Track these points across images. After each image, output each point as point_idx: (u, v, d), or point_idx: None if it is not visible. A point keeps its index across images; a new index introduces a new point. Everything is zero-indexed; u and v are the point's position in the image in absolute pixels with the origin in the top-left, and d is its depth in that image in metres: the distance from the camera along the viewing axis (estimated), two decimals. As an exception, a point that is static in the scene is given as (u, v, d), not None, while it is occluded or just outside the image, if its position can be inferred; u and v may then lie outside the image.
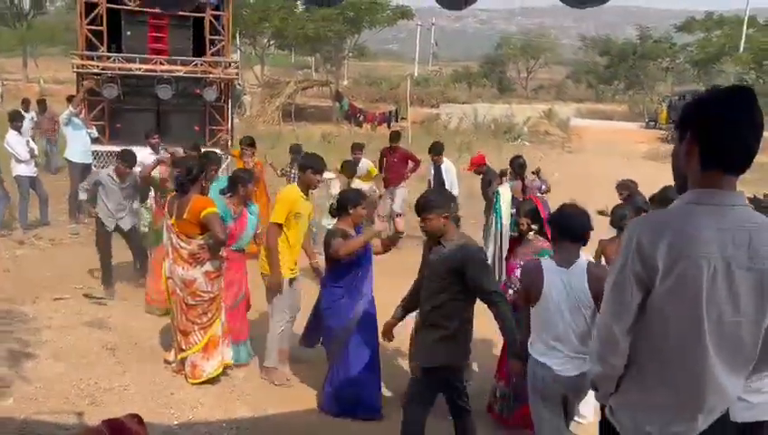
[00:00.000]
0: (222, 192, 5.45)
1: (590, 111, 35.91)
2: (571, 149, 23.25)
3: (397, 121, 24.53)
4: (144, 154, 10.47)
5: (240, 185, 5.35)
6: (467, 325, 3.83)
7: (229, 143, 11.28)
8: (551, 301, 3.28)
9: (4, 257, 8.04)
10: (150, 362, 5.25)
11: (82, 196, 6.83)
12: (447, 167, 9.41)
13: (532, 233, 4.49)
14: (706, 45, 30.94)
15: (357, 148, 9.54)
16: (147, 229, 7.34)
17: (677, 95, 30.37)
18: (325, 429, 4.68)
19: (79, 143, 9.66)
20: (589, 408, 4.47)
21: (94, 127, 10.16)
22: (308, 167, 5.19)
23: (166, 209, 5.06)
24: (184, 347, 4.96)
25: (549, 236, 3.93)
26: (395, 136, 10.38)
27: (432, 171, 9.56)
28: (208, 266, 4.87)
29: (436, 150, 9.46)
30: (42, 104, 13.72)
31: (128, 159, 6.94)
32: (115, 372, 4.91)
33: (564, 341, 3.28)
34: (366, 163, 9.48)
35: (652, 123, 28.90)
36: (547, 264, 3.38)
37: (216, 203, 5.03)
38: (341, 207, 4.77)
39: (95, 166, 10.24)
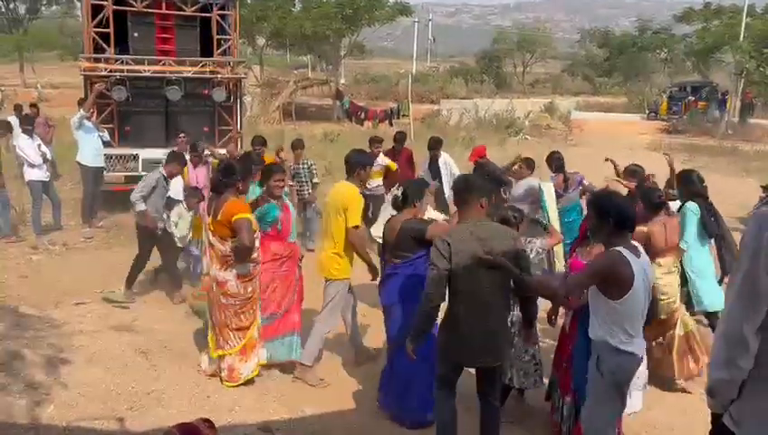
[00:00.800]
0: (260, 185, 5.49)
1: (589, 104, 35.89)
2: (574, 142, 23.20)
3: (398, 118, 24.52)
4: (155, 154, 10.51)
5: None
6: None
7: (239, 143, 11.22)
8: (638, 292, 3.31)
9: (21, 263, 7.97)
10: (183, 366, 5.19)
11: (140, 206, 6.77)
12: (446, 160, 9.29)
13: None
14: (705, 35, 30.90)
15: (376, 142, 9.30)
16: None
17: (677, 86, 30.41)
18: (364, 430, 4.64)
19: (91, 146, 9.57)
20: (638, 398, 4.45)
21: (106, 130, 10.08)
22: (361, 164, 5.15)
23: (204, 209, 5.10)
24: (222, 346, 4.94)
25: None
26: (400, 137, 10.11)
27: (426, 166, 9.41)
28: (238, 270, 4.84)
29: (432, 144, 9.38)
30: (33, 108, 13.54)
31: (181, 160, 7.23)
32: (150, 376, 4.85)
33: (640, 327, 3.43)
34: (383, 159, 9.38)
35: (653, 114, 28.91)
36: (628, 255, 3.34)
37: (247, 207, 5.00)
38: (407, 199, 4.75)
39: (106, 170, 10.20)
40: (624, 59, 40.53)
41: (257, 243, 4.90)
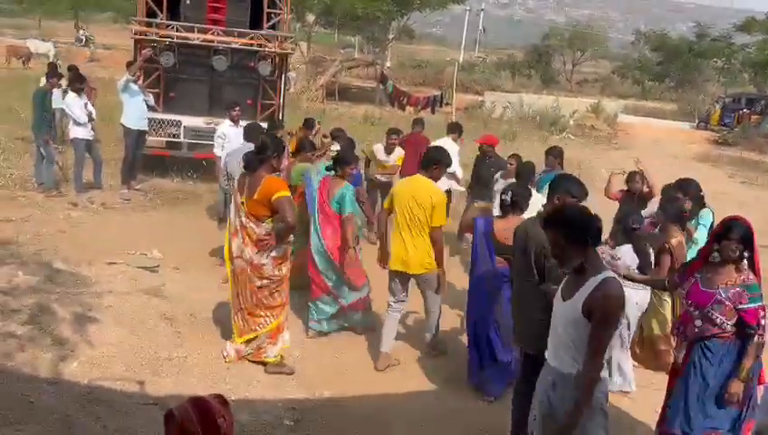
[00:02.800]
0: (328, 169, 5.54)
1: (637, 108, 35.01)
2: (618, 145, 22.70)
3: (441, 107, 24.30)
4: (197, 122, 10.59)
5: (344, 164, 5.51)
6: None
7: (280, 117, 11.24)
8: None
9: (60, 218, 8.13)
10: (207, 334, 5.24)
11: (220, 196, 6.98)
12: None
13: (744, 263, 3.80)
14: (767, 48, 29.79)
15: (393, 133, 9.09)
16: None
17: (731, 97, 29.43)
18: (381, 413, 4.62)
19: (136, 109, 9.67)
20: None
21: (151, 95, 10.17)
22: (441, 162, 5.09)
23: (236, 187, 4.88)
24: (253, 328, 4.84)
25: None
26: (416, 122, 9.99)
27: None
28: (275, 253, 4.70)
29: (451, 129, 9.31)
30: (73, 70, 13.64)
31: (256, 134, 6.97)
32: (174, 343, 4.90)
33: None
34: (398, 153, 9.06)
35: (703, 124, 28.05)
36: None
37: (285, 183, 4.95)
38: (515, 204, 4.80)
39: (149, 134, 10.31)
40: (678, 64, 39.27)
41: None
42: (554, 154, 7.78)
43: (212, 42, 10.53)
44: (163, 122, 10.59)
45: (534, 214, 4.79)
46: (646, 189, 6.82)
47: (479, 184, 8.67)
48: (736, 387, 3.67)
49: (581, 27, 48.00)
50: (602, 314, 2.90)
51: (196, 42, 10.52)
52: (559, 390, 3.08)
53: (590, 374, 2.95)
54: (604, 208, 4.93)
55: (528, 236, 3.93)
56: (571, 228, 2.96)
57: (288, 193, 4.68)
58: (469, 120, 22.87)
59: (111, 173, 10.20)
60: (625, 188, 7.09)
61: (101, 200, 9.17)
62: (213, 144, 8.73)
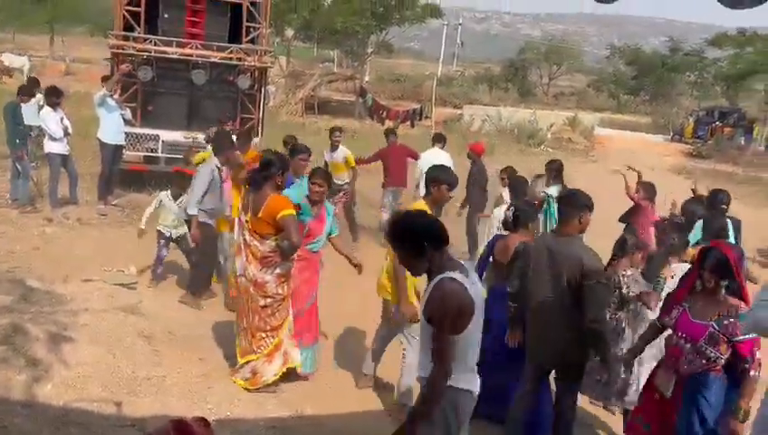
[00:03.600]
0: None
1: (613, 121, 35.51)
2: (595, 157, 22.98)
3: (420, 120, 24.39)
4: (175, 136, 10.47)
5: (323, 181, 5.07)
6: None
7: (259, 131, 11.19)
8: (477, 319, 3.06)
9: (34, 235, 7.95)
10: (186, 353, 5.12)
11: (193, 211, 6.28)
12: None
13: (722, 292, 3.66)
14: (738, 62, 30.50)
15: (336, 130, 9.16)
16: None
17: (705, 110, 30.00)
18: (364, 431, 4.55)
19: (112, 124, 9.53)
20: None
21: (128, 109, 10.06)
22: (444, 182, 4.49)
23: (240, 205, 4.81)
24: (255, 349, 4.75)
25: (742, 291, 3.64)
26: (389, 132, 10.15)
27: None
28: (279, 270, 4.65)
29: (437, 139, 9.52)
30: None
31: (229, 140, 6.81)
32: (152, 362, 4.79)
33: (475, 360, 3.20)
34: (344, 151, 9.08)
35: (677, 137, 28.56)
36: (460, 278, 2.94)
37: (291, 202, 4.75)
38: (518, 221, 4.70)
39: (126, 148, 10.18)
40: (652, 78, 40.05)
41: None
42: (553, 168, 7.67)
43: (191, 56, 10.48)
44: (141, 137, 10.47)
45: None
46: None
47: (477, 191, 8.69)
48: (737, 426, 3.51)
49: (557, 42, 48.70)
50: (435, 317, 2.86)
51: (175, 56, 10.46)
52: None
53: (432, 384, 2.85)
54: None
55: (554, 253, 3.93)
56: (407, 240, 2.95)
57: (293, 211, 4.59)
58: (448, 133, 22.83)
59: (87, 188, 10.03)
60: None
61: (77, 216, 8.99)
62: (192, 158, 8.62)
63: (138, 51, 10.31)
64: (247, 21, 11.04)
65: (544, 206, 7.31)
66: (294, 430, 4.45)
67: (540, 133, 25.15)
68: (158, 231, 6.85)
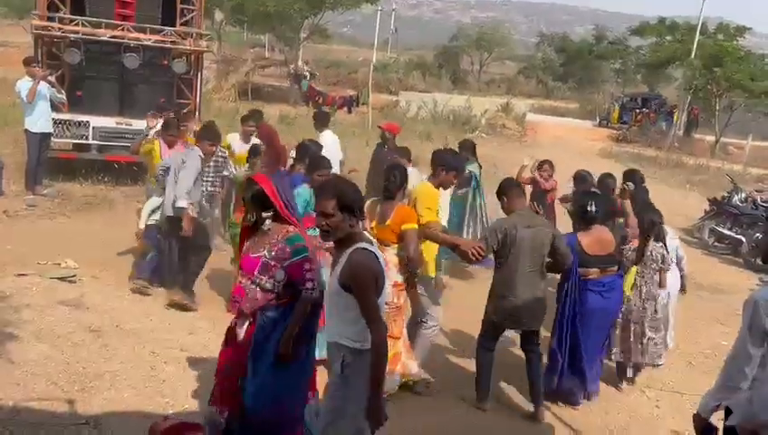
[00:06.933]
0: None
1: (542, 108, 36.49)
2: (528, 143, 23.55)
3: (357, 106, 24.30)
4: (107, 123, 10.03)
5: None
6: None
7: (197, 117, 10.84)
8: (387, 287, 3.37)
9: (-42, 229, 7.47)
10: (137, 346, 4.95)
11: (183, 202, 5.85)
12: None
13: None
14: (658, 50, 31.81)
15: (249, 119, 8.12)
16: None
17: (629, 96, 31.22)
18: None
19: (40, 114, 9.03)
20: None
21: (63, 92, 9.54)
22: (452, 168, 5.01)
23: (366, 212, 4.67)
24: None
25: None
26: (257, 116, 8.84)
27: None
28: (397, 277, 4.63)
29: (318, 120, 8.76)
30: None
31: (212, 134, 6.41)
32: (102, 357, 4.60)
33: None
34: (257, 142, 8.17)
35: (604, 122, 29.64)
36: (372, 248, 3.20)
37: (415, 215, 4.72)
38: (587, 217, 4.95)
39: (54, 136, 9.67)
40: (579, 65, 41.28)
41: None
42: (466, 147, 7.95)
43: (122, 38, 10.03)
44: (69, 123, 9.97)
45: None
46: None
47: (377, 173, 8.04)
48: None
49: (486, 29, 49.41)
50: (359, 283, 3.00)
51: (104, 38, 9.99)
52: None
53: (379, 344, 3.00)
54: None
55: None
56: (344, 197, 3.03)
57: (416, 226, 4.64)
58: (386, 119, 22.99)
59: (12, 179, 9.49)
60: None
61: (3, 208, 8.50)
62: (126, 145, 8.26)
63: (64, 32, 9.77)
64: (181, 2, 10.65)
65: (472, 183, 7.76)
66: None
67: (474, 120, 25.53)
68: (152, 226, 6.42)
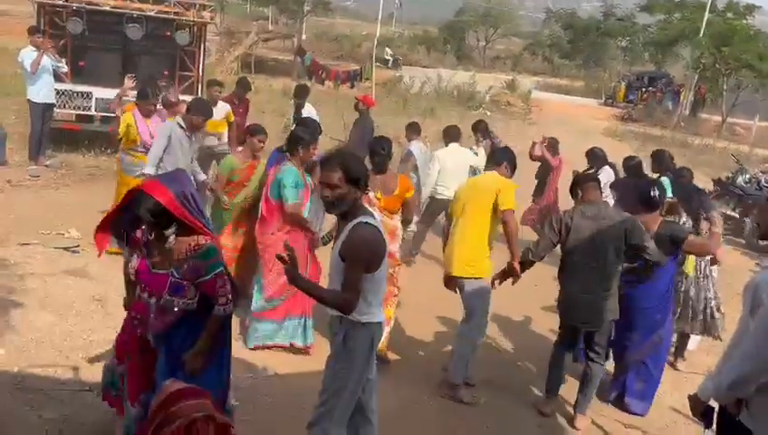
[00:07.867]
0: (279, 150, 5.11)
1: (548, 85, 36.23)
2: (533, 120, 23.42)
3: (360, 81, 24.12)
4: (110, 94, 9.95)
5: (301, 146, 4.75)
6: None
7: (198, 90, 10.78)
8: (386, 260, 3.37)
9: (-38, 199, 7.47)
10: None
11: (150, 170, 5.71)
12: (310, 110, 8.68)
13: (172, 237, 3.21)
14: (666, 27, 31.42)
15: (215, 84, 8.13)
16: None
17: (635, 75, 30.95)
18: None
19: (43, 84, 8.98)
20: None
21: (64, 62, 9.47)
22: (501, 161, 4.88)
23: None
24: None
25: None
26: (245, 83, 9.23)
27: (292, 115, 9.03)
28: (400, 241, 5.14)
29: (298, 92, 8.98)
30: None
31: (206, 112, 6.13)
32: (107, 326, 4.61)
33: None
34: (224, 107, 8.09)
35: (610, 100, 29.44)
36: (373, 221, 3.19)
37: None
38: (652, 202, 4.68)
39: (57, 106, 9.64)
40: (587, 42, 40.86)
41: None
42: (480, 130, 8.35)
43: (125, 8, 9.93)
44: (72, 94, 9.93)
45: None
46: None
47: (358, 143, 7.94)
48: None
49: (494, 3, 48.83)
50: (352, 256, 3.00)
51: (107, 8, 9.89)
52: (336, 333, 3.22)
53: (337, 299, 3.03)
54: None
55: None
56: (350, 169, 3.00)
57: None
58: (389, 95, 22.87)
59: (15, 149, 9.47)
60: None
61: (7, 178, 8.49)
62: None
63: (66, 2, 9.67)
64: (185, -28, 10.53)
65: None
66: (255, 390, 4.42)
67: (478, 96, 25.37)
68: None
